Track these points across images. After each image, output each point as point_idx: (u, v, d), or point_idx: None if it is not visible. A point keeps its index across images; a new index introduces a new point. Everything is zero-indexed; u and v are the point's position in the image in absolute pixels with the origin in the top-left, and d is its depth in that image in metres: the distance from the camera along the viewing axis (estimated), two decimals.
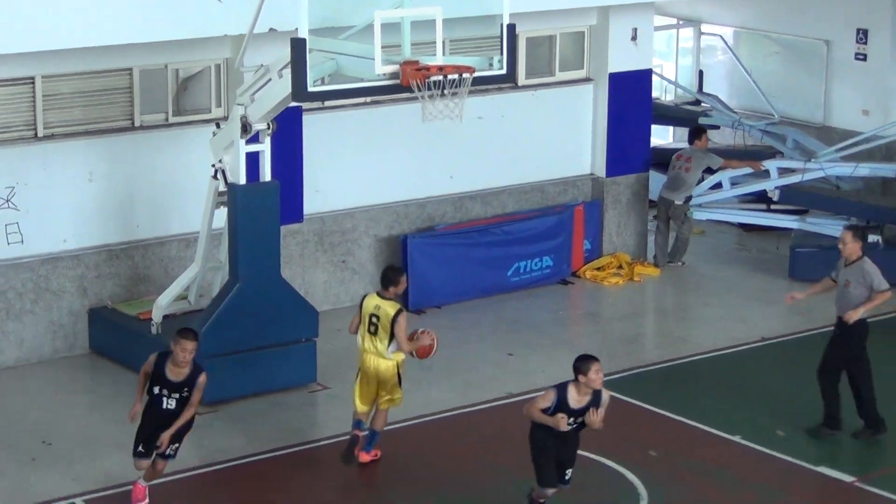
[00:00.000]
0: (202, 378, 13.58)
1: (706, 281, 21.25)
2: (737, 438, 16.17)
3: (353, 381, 15.43)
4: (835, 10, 25.34)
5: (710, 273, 21.92)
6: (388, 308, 14.78)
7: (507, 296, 20.47)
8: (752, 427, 16.41)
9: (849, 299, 16.02)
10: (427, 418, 16.61)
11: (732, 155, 23.63)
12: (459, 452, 15.88)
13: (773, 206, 22.76)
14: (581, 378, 13.20)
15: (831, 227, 21.53)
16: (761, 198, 22.91)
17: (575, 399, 13.24)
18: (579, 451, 15.61)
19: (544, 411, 13.24)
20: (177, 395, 13.54)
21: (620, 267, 21.54)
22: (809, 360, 18.22)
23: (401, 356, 15.07)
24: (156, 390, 13.60)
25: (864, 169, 22.72)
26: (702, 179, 22.16)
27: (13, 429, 16.02)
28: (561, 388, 13.30)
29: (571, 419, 13.28)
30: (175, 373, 13.50)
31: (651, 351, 18.93)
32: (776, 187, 22.19)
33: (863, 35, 25.49)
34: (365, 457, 15.24)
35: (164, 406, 13.57)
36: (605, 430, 16.26)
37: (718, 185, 22.32)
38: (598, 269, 21.44)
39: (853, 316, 15.90)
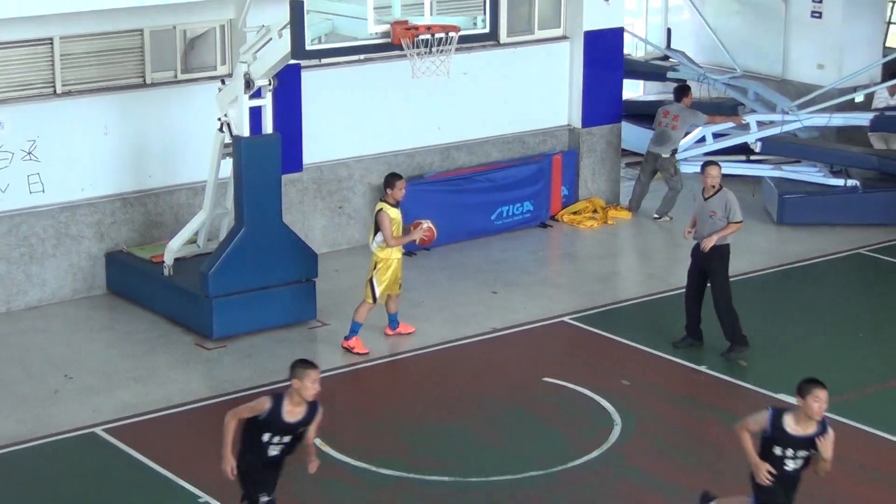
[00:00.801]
0: (320, 411, 11.37)
1: (678, 224, 21.23)
2: (703, 368, 16.24)
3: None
4: None
5: (685, 219, 21.90)
6: (377, 206, 16.18)
7: (491, 238, 20.51)
8: (717, 358, 16.48)
9: (715, 228, 16.31)
10: (419, 351, 16.67)
11: (698, 107, 23.65)
12: (451, 382, 15.94)
13: (751, 157, 22.68)
14: (799, 401, 11.12)
15: (807, 174, 21.82)
16: (741, 149, 22.85)
17: (793, 427, 11.14)
18: (556, 380, 15.78)
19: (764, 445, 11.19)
20: (288, 438, 11.28)
21: (595, 211, 21.57)
22: (769, 297, 18.38)
23: (387, 252, 16.22)
24: (265, 437, 11.22)
25: (839, 119, 22.77)
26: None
27: (37, 363, 16.06)
28: (776, 415, 11.22)
29: (791, 451, 11.20)
30: (293, 413, 11.18)
31: (623, 288, 18.99)
32: (757, 139, 22.18)
33: None
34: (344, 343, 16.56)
35: (271, 453, 11.30)
36: (580, 360, 16.43)
37: (702, 140, 22.30)
38: (575, 213, 21.46)
39: (708, 244, 16.26)
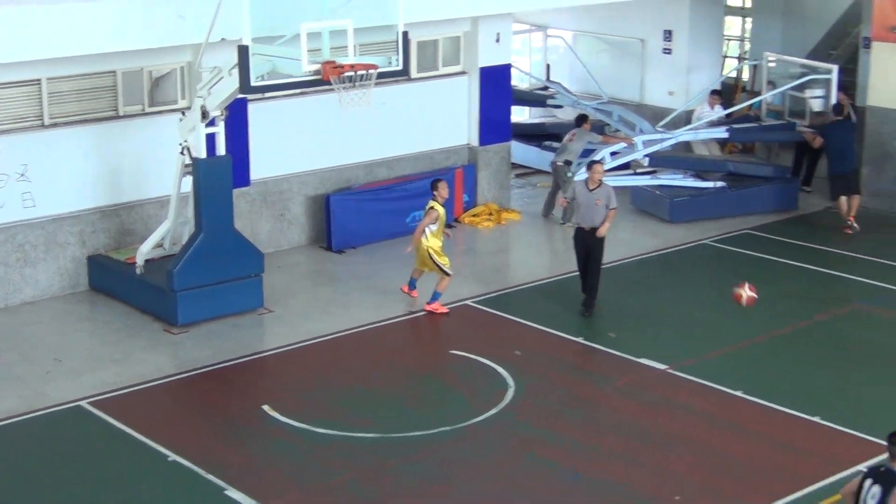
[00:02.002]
0: None
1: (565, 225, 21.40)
2: (580, 339, 16.33)
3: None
4: (647, 15, 25.50)
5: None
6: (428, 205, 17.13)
7: (406, 237, 20.36)
8: (591, 331, 16.58)
9: (599, 213, 16.84)
10: (350, 331, 16.62)
11: (572, 128, 23.80)
12: (376, 356, 15.92)
13: (637, 171, 22.72)
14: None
15: (675, 180, 22.04)
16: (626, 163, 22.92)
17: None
18: (461, 352, 15.80)
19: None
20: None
21: (491, 214, 21.59)
22: (635, 279, 18.46)
23: (429, 241, 16.97)
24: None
25: (704, 134, 22.96)
26: (585, 155, 21.86)
27: (31, 349, 15.87)
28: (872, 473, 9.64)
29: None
30: None
31: (515, 276, 19.02)
32: (645, 155, 22.33)
33: (668, 34, 25.73)
34: (426, 307, 17.23)
35: None
36: (481, 335, 16.46)
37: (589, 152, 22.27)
38: (474, 215, 21.48)
39: (604, 230, 16.85)
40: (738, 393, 14.64)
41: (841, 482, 12.45)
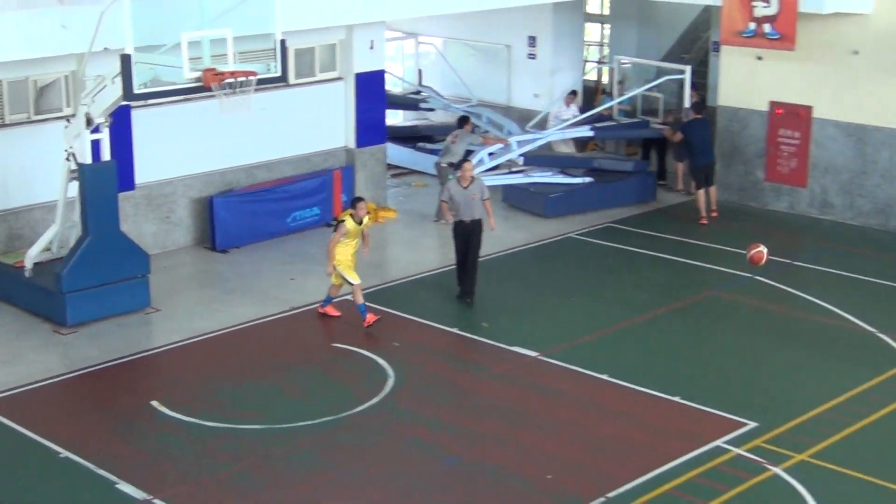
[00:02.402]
0: None
1: (431, 220, 21.44)
2: (455, 330, 16.39)
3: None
4: (513, 22, 25.66)
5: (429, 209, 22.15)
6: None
7: (288, 237, 20.35)
8: (466, 322, 16.65)
9: (477, 206, 17.17)
10: (236, 327, 16.47)
11: (445, 129, 23.92)
12: (260, 350, 15.80)
13: (513, 169, 22.83)
14: None
15: (547, 177, 22.16)
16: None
17: None
18: (343, 345, 15.75)
19: None
20: None
21: (368, 213, 21.46)
22: (506, 272, 18.57)
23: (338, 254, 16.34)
24: None
25: (572, 133, 23.19)
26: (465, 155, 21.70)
27: None
28: None
29: None
30: None
31: (392, 271, 19.01)
32: (520, 154, 22.48)
33: (532, 40, 25.92)
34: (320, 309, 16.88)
35: None
36: (361, 328, 16.43)
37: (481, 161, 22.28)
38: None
39: (494, 223, 17.33)
40: (604, 376, 14.82)
41: (700, 457, 12.72)
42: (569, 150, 23.74)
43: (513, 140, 22.59)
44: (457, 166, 17.66)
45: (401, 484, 12.37)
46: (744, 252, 19.16)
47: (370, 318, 16.33)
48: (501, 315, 16.96)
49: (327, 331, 16.46)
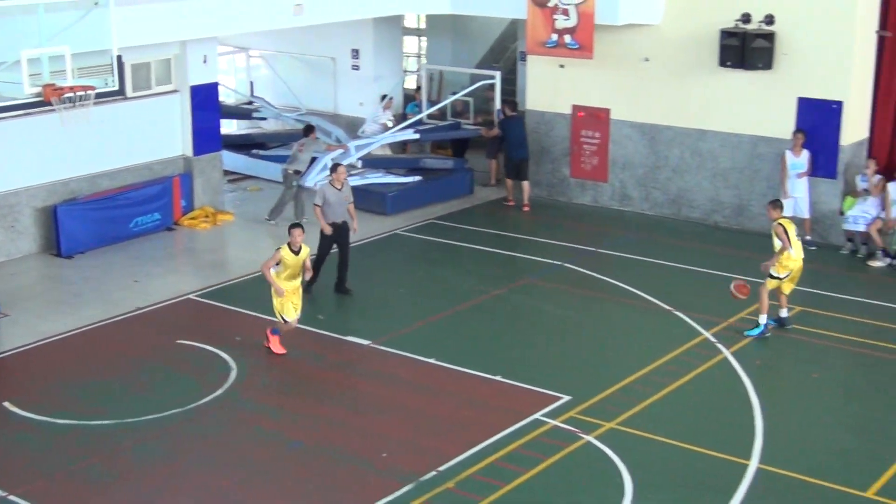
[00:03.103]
0: None
1: (262, 221, 21.20)
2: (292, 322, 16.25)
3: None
4: (336, 36, 25.53)
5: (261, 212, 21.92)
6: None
7: (131, 241, 19.88)
8: (302, 315, 16.48)
9: (345, 208, 17.23)
10: (83, 328, 16.01)
11: (277, 137, 23.73)
12: (108, 350, 15.40)
13: (352, 172, 22.64)
14: None
15: (380, 177, 22.16)
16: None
17: None
18: (187, 341, 15.47)
19: None
20: None
21: (207, 216, 21.20)
22: (355, 268, 18.48)
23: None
24: None
25: (402, 136, 23.24)
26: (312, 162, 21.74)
27: None
28: None
29: None
30: None
31: (232, 270, 18.68)
32: (358, 158, 22.39)
33: (356, 53, 25.87)
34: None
35: None
36: (204, 325, 16.15)
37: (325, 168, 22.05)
38: (192, 218, 21.03)
39: (356, 226, 17.33)
40: (432, 360, 14.90)
41: (521, 430, 12.90)
42: (385, 152, 23.78)
43: (351, 145, 22.56)
44: (332, 169, 17.53)
45: (246, 470, 12.21)
46: (554, 242, 19.55)
47: (276, 343, 15.09)
48: (336, 307, 16.89)
49: (171, 329, 16.13)
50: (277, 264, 14.80)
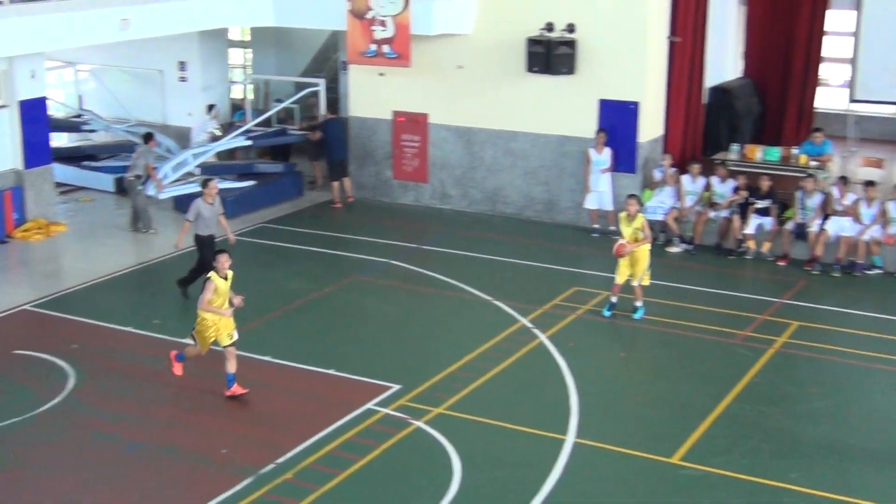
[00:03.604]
0: None
1: (105, 228, 20.62)
2: (130, 329, 15.84)
3: None
4: (163, 49, 24.94)
5: (107, 222, 21.24)
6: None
7: None
8: (139, 320, 16.12)
9: (215, 222, 16.76)
10: None
11: (107, 148, 23.12)
12: None
13: (189, 180, 22.10)
14: None
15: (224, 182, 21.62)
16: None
17: None
18: (24, 351, 14.92)
19: None
20: None
21: (40, 228, 20.46)
22: (176, 272, 18.10)
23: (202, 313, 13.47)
24: None
25: (235, 143, 22.85)
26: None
27: None
28: None
29: None
30: None
31: (67, 280, 18.09)
32: (196, 165, 21.92)
33: (183, 65, 25.40)
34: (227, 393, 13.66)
35: None
36: (33, 332, 15.60)
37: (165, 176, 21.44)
38: (25, 230, 20.27)
39: (232, 237, 16.97)
40: (267, 358, 14.75)
41: (354, 420, 12.89)
42: (213, 160, 23.42)
43: (188, 153, 22.11)
44: (204, 184, 16.96)
45: (87, 473, 11.86)
46: (380, 241, 19.60)
47: (179, 368, 13.92)
48: (172, 312, 16.54)
49: (8, 340, 15.51)
50: (212, 293, 13.43)
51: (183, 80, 25.41)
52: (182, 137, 24.18)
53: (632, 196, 16.19)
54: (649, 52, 20.10)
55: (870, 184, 18.70)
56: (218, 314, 13.48)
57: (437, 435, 12.60)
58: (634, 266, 15.99)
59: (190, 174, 21.98)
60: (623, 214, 16.04)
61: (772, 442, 12.55)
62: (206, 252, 16.72)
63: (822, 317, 16.30)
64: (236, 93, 27.37)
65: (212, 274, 13.54)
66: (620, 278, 16.08)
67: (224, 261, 13.60)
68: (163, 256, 19.02)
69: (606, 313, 16.10)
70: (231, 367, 13.56)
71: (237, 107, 26.47)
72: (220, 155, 23.74)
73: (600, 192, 20.22)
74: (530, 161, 21.36)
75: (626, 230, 15.89)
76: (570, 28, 20.24)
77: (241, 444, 12.44)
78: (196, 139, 23.60)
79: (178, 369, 13.98)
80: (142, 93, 25.99)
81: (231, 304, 13.56)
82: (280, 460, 12.02)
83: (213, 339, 13.57)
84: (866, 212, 18.41)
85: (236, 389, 13.60)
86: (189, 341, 13.88)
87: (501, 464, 12.06)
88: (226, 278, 13.62)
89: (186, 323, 15.98)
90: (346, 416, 13.01)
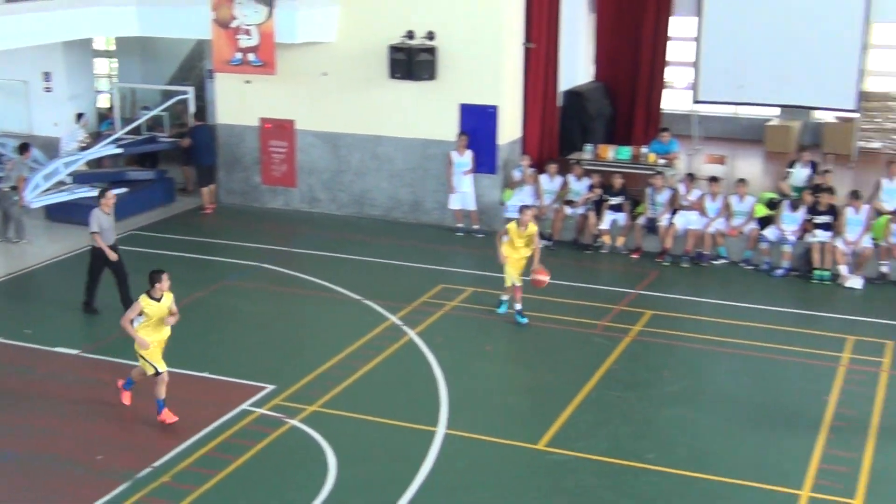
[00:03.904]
0: None
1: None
2: (28, 332, 15.34)
3: None
4: (27, 60, 24.18)
5: None
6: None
7: None
8: (8, 330, 15.60)
9: (113, 232, 16.26)
10: None
11: None
12: None
13: (62, 189, 21.36)
14: None
15: (87, 191, 20.68)
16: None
17: None
18: None
19: None
20: None
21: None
22: (44, 282, 17.59)
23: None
24: None
25: (106, 151, 22.17)
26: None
27: None
28: None
29: None
30: None
31: None
32: (69, 174, 21.14)
33: (48, 75, 24.71)
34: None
35: None
36: None
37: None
38: None
39: (111, 254, 16.08)
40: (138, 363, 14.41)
41: (230, 421, 12.73)
42: (83, 168, 22.85)
43: (59, 162, 21.47)
44: (102, 194, 16.36)
45: None
46: (250, 245, 19.42)
47: (167, 414, 12.76)
48: (44, 320, 16.06)
49: None
50: (140, 314, 12.64)
51: (48, 90, 24.71)
52: (49, 147, 23.46)
53: (526, 207, 16.14)
54: (506, 58, 20.36)
55: (714, 179, 19.34)
56: (137, 339, 12.52)
57: (312, 432, 12.54)
58: (521, 268, 15.98)
59: (61, 182, 21.39)
60: (512, 224, 15.85)
61: (630, 425, 12.87)
62: (101, 264, 16.22)
63: (673, 305, 16.77)
64: (103, 102, 26.76)
65: (142, 295, 12.59)
66: (517, 280, 15.95)
67: (162, 280, 12.52)
68: (34, 266, 18.46)
69: (521, 321, 15.96)
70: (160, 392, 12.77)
71: (104, 116, 25.84)
72: (88, 163, 23.14)
73: (463, 192, 20.41)
74: (395, 164, 21.41)
75: (519, 239, 15.82)
76: (430, 36, 20.37)
77: (117, 450, 12.16)
78: (66, 148, 22.97)
79: (169, 417, 12.77)
80: (6, 103, 25.17)
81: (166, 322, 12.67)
82: (157, 464, 11.79)
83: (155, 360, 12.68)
84: (711, 206, 19.04)
85: (127, 397, 13.19)
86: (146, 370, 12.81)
87: (376, 457, 12.07)
88: (159, 300, 12.57)
89: (59, 330, 15.56)
90: (222, 418, 12.84)
